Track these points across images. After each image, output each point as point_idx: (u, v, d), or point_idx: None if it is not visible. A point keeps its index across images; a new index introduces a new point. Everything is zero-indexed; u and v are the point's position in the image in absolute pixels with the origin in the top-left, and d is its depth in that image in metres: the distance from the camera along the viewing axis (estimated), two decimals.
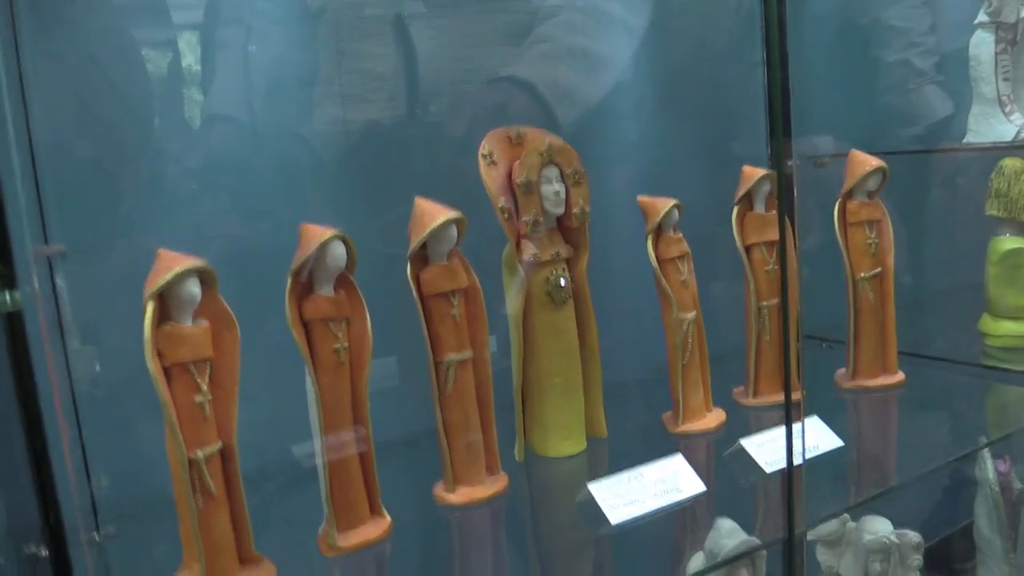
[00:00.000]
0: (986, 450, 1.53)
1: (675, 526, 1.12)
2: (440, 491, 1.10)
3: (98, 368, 1.16)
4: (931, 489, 1.93)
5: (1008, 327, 1.64)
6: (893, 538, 1.32)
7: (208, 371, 0.92)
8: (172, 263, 0.89)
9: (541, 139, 1.17)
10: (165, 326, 0.89)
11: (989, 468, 1.53)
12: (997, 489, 1.53)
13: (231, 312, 0.94)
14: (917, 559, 1.36)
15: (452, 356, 1.07)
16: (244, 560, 0.95)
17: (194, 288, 0.90)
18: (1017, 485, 1.60)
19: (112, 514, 1.10)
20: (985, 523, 1.57)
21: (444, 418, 1.07)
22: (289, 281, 0.98)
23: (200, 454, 0.89)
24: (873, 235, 1.41)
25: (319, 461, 0.98)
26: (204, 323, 0.92)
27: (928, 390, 1.50)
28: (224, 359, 0.93)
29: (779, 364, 1.36)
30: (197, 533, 0.89)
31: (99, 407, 1.11)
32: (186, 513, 0.89)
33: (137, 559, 1.06)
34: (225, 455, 0.92)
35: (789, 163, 1.05)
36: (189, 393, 0.90)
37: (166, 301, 0.90)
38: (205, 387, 0.91)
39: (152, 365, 0.87)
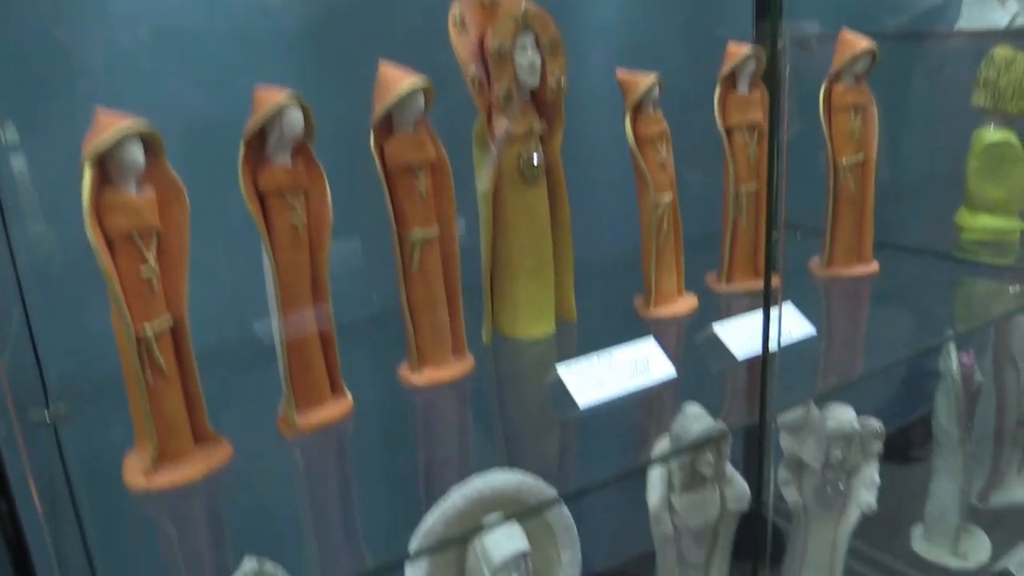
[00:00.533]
0: (952, 342, 1.54)
1: (642, 410, 1.11)
2: (404, 372, 1.07)
3: (46, 243, 1.09)
4: (895, 379, 1.96)
5: (984, 221, 1.63)
6: (856, 425, 1.32)
7: (155, 243, 0.86)
8: (112, 124, 0.82)
9: (516, 4, 1.08)
10: (106, 193, 0.83)
11: (953, 360, 1.54)
12: (959, 381, 1.54)
13: (179, 181, 0.88)
14: (877, 446, 1.37)
15: (418, 233, 1.02)
16: (199, 439, 0.92)
17: (137, 153, 0.83)
18: (978, 378, 1.61)
19: (63, 393, 1.07)
20: (944, 414, 1.59)
21: (409, 297, 1.03)
22: (242, 149, 0.91)
23: (149, 330, 0.85)
24: (858, 121, 1.36)
25: (277, 339, 0.94)
26: (149, 192, 0.86)
27: (901, 281, 1.49)
28: (172, 231, 0.87)
29: (754, 251, 1.33)
30: (148, 412, 0.86)
31: (48, 284, 1.06)
32: (136, 391, 0.86)
33: (89, 438, 1.03)
34: (176, 331, 0.88)
35: (780, 41, 0.99)
36: (134, 265, 0.84)
37: (107, 166, 0.83)
38: (152, 260, 0.85)
39: (92, 234, 0.81)
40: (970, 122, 1.66)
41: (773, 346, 0.87)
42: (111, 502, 0.90)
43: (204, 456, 0.91)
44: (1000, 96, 1.59)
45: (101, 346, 0.91)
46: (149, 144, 0.85)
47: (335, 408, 0.98)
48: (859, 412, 1.36)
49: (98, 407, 1.06)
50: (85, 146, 0.81)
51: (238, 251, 1.05)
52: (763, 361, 0.86)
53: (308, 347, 0.95)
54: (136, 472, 0.87)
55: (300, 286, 0.94)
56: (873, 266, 1.42)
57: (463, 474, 0.96)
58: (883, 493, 1.39)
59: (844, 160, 1.34)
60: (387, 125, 1.00)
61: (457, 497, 0.95)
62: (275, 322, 0.94)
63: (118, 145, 0.81)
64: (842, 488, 1.37)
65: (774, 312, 0.87)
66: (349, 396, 1.00)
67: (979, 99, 1.61)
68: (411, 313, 1.03)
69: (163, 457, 0.88)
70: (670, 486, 1.18)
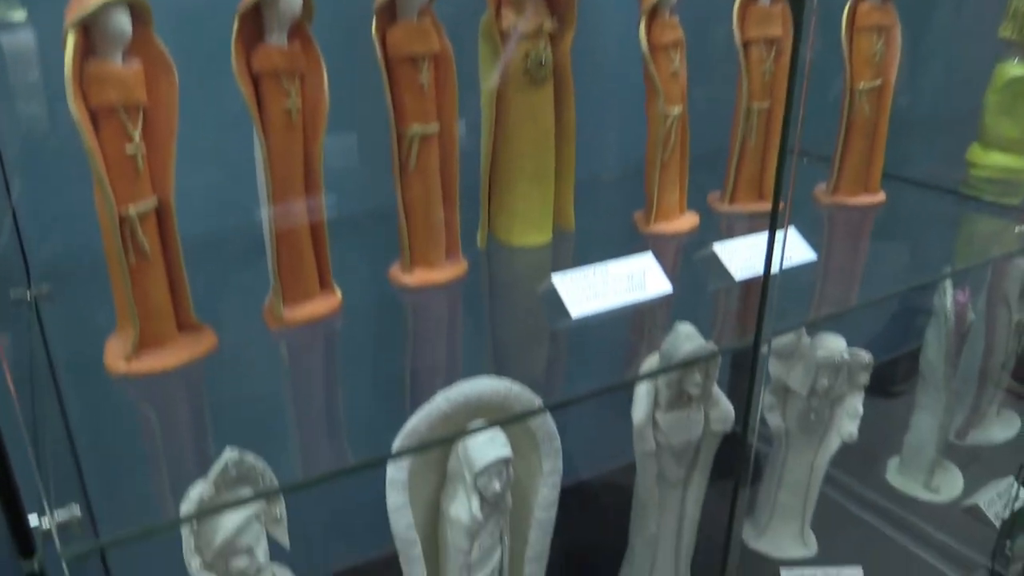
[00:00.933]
0: (949, 279, 1.52)
1: (634, 326, 1.10)
2: (396, 272, 1.04)
3: (31, 118, 1.05)
4: (889, 312, 1.95)
5: (996, 159, 1.58)
6: (845, 356, 1.32)
7: (141, 119, 0.82)
8: None
9: None
10: (90, 64, 0.79)
11: (948, 297, 1.53)
12: (951, 318, 1.54)
13: (168, 55, 0.83)
14: (864, 377, 1.37)
15: (417, 128, 0.98)
16: (183, 327, 0.90)
17: (123, 21, 0.79)
18: (971, 316, 1.61)
19: (47, 273, 1.04)
20: (933, 349, 1.59)
21: (404, 195, 1.00)
22: (236, 25, 0.86)
23: (132, 210, 0.82)
24: (880, 43, 1.30)
25: (266, 229, 0.91)
26: (136, 64, 0.82)
27: (905, 214, 1.47)
28: (159, 107, 0.83)
29: (760, 172, 1.29)
30: (130, 295, 0.83)
31: (33, 162, 1.02)
32: (118, 273, 0.83)
33: (71, 319, 1.02)
34: (161, 213, 0.85)
35: None
36: (119, 142, 0.81)
37: (91, 35, 0.79)
38: (137, 136, 0.82)
39: (75, 107, 0.77)
40: (994, 54, 1.60)
41: (775, 270, 0.85)
42: (91, 385, 0.88)
43: (187, 344, 0.89)
44: None
45: (88, 227, 0.88)
46: (137, 12, 0.80)
47: (323, 304, 0.96)
48: (850, 343, 1.36)
49: (82, 289, 1.04)
50: (68, 12, 0.77)
51: (229, 135, 1.01)
52: (763, 284, 0.84)
53: (298, 239, 0.92)
54: (117, 356, 0.86)
55: (292, 175, 0.91)
56: (879, 196, 1.39)
57: (450, 378, 0.95)
58: (864, 424, 1.40)
59: (862, 84, 1.30)
60: (390, 11, 0.95)
61: (442, 400, 0.94)
62: (265, 211, 0.91)
63: (103, 11, 0.76)
64: (824, 416, 1.38)
65: (779, 235, 0.85)
66: (338, 292, 0.98)
67: (1006, 31, 1.54)
68: (406, 212, 1.00)
69: (145, 342, 0.86)
70: (656, 403, 1.18)
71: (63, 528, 0.63)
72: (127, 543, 1.14)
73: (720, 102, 1.35)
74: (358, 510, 1.33)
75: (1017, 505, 1.52)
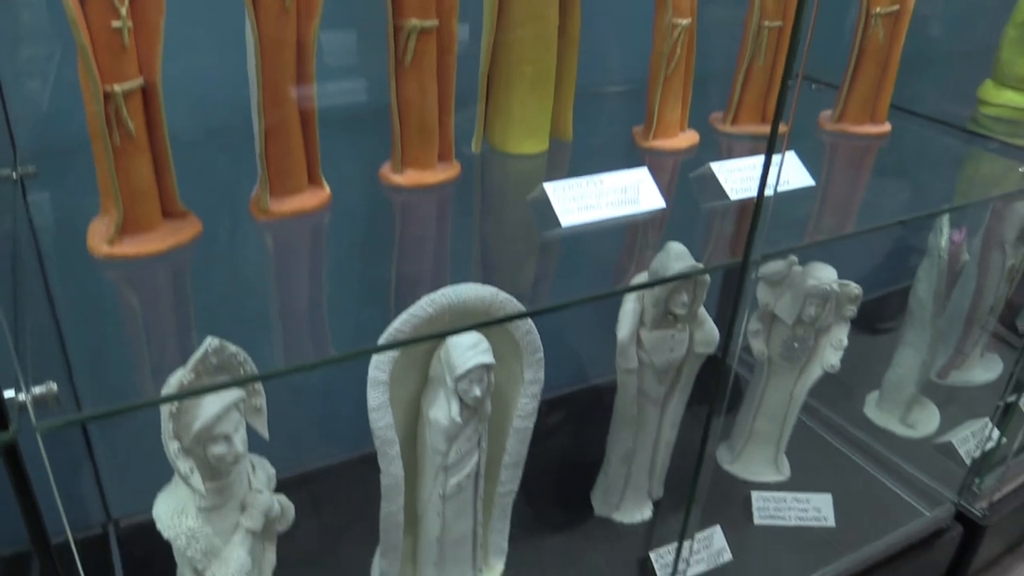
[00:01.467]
0: (946, 217, 1.51)
1: (626, 241, 1.09)
2: (387, 171, 1.03)
3: None
4: (883, 248, 1.95)
5: (1008, 97, 1.55)
6: (835, 286, 1.32)
7: None
8: None
9: None
10: None
11: (944, 235, 1.52)
12: (945, 257, 1.53)
13: None
14: (852, 310, 1.37)
15: (414, 21, 0.94)
16: (168, 213, 0.89)
17: None
18: (964, 257, 1.60)
19: (34, 152, 1.02)
20: (924, 287, 1.59)
21: (399, 92, 0.97)
22: None
23: (118, 88, 0.79)
24: None
25: (255, 118, 0.89)
26: None
27: (909, 147, 1.44)
28: None
29: (765, 94, 1.26)
30: (114, 176, 0.82)
31: (19, 38, 0.99)
32: (102, 154, 0.81)
33: (57, 199, 1.00)
34: (147, 94, 0.83)
35: None
36: (105, 16, 0.77)
37: None
38: (124, 11, 0.78)
39: None
40: None
41: (768, 193, 0.83)
42: (73, 266, 0.88)
43: (171, 230, 0.88)
44: None
45: (77, 109, 0.86)
46: None
47: (311, 198, 0.95)
48: (842, 276, 1.35)
49: (69, 170, 1.03)
50: None
51: (220, 20, 0.97)
52: (756, 207, 0.82)
53: (288, 130, 0.90)
54: (100, 239, 0.85)
55: (284, 64, 0.88)
56: (885, 127, 1.36)
57: (437, 282, 0.94)
58: (848, 357, 1.41)
59: (878, 8, 1.25)
60: None
61: (427, 304, 0.94)
62: (254, 100, 0.88)
63: None
64: (808, 346, 1.38)
65: (776, 159, 0.83)
66: (327, 188, 0.96)
67: None
68: (399, 110, 0.98)
69: (128, 226, 0.85)
70: (641, 321, 1.19)
71: (40, 403, 0.63)
72: (105, 422, 1.16)
73: (732, 22, 1.31)
74: (339, 409, 1.35)
75: (989, 445, 1.54)
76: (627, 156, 1.19)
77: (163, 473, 0.86)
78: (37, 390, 0.62)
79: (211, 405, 0.80)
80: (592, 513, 1.38)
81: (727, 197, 0.97)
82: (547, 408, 1.58)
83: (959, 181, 1.51)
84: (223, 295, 0.87)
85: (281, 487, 0.93)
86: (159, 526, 0.85)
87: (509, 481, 1.16)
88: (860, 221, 1.26)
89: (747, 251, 0.86)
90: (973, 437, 1.60)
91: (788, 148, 1.10)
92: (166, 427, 0.80)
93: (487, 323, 0.96)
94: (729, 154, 1.25)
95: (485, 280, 0.95)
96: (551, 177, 0.97)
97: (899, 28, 1.28)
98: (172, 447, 0.80)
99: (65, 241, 0.92)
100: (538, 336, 1.06)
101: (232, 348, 0.77)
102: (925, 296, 1.59)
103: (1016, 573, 1.68)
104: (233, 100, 0.95)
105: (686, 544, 1.16)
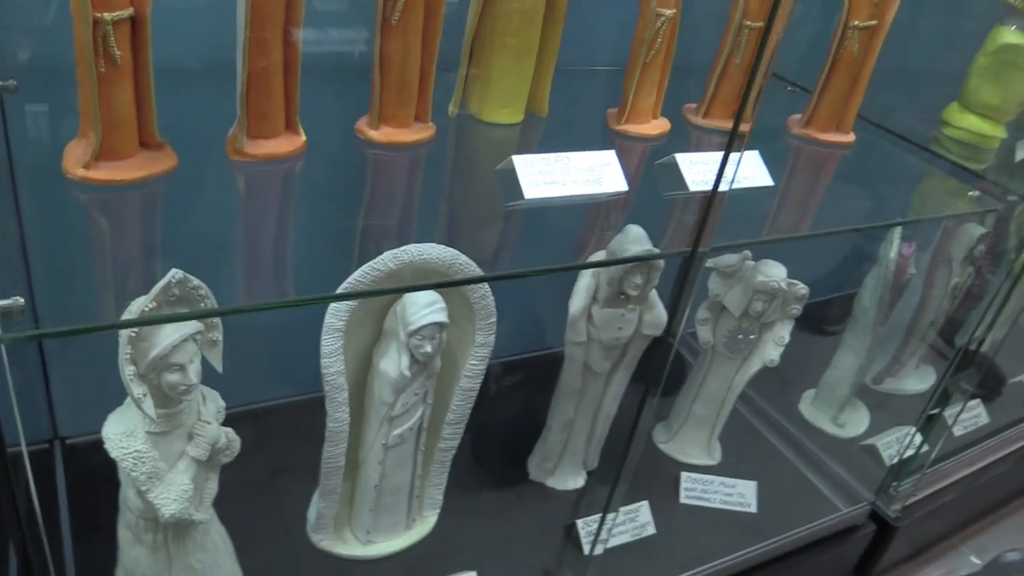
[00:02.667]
0: (898, 229, 1.57)
1: (587, 220, 1.12)
2: (363, 125, 1.05)
3: None
4: (836, 251, 2.01)
5: (971, 121, 1.60)
6: (783, 285, 1.37)
7: None
8: None
9: None
10: None
11: (894, 247, 1.58)
12: (892, 268, 1.59)
13: None
14: (796, 309, 1.43)
15: None
16: (145, 144, 0.91)
17: None
18: (911, 270, 1.66)
19: (18, 67, 1.02)
20: (869, 295, 1.65)
21: (382, 49, 0.99)
22: None
23: (107, 16, 0.80)
24: None
25: (239, 59, 0.90)
26: None
27: (870, 159, 1.49)
28: None
29: (739, 91, 1.30)
30: (96, 101, 0.83)
31: None
32: (86, 78, 0.83)
33: (35, 117, 1.01)
34: (136, 24, 0.84)
35: None
36: None
37: None
38: None
39: None
40: (996, 18, 1.59)
41: (723, 188, 0.87)
42: (46, 185, 0.89)
43: (147, 160, 0.89)
44: None
45: (64, 29, 0.86)
46: None
47: (286, 143, 0.97)
48: (794, 276, 1.41)
49: (50, 88, 1.03)
50: None
51: None
52: (709, 199, 0.87)
53: (270, 73, 0.92)
54: (76, 162, 0.86)
55: (274, 6, 0.89)
56: (849, 137, 1.41)
57: (401, 239, 0.97)
58: (791, 356, 1.47)
59: (856, 21, 1.29)
60: None
61: (390, 258, 0.97)
62: (241, 40, 0.90)
63: None
64: (752, 339, 1.44)
65: (734, 155, 0.87)
66: (303, 135, 0.98)
67: None
68: (381, 66, 1.00)
69: (105, 152, 0.86)
70: (594, 298, 1.23)
71: (5, 314, 0.65)
72: (61, 341, 1.17)
73: (717, 16, 1.33)
74: (292, 352, 1.38)
75: (910, 452, 1.62)
76: (599, 136, 1.22)
77: (112, 396, 0.88)
78: (3, 302, 0.64)
79: (169, 335, 0.83)
80: (527, 477, 1.43)
81: (687, 188, 1.01)
82: (498, 372, 1.63)
83: (915, 196, 1.57)
84: (191, 229, 0.89)
85: (229, 421, 0.96)
86: (107, 446, 0.87)
87: (450, 437, 1.21)
88: (814, 225, 1.31)
89: (696, 242, 0.90)
90: (897, 443, 1.67)
91: (753, 147, 1.14)
92: (123, 351, 0.82)
93: (445, 284, 0.99)
94: (698, 146, 1.28)
95: (448, 242, 0.98)
96: (523, 148, 1.00)
97: (874, 43, 1.32)
98: (127, 371, 0.82)
99: (39, 159, 0.92)
100: (493, 301, 1.09)
101: (195, 281, 0.79)
102: (869, 303, 1.66)
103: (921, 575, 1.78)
104: (220, 39, 0.96)
105: (612, 516, 1.22)
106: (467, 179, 1.11)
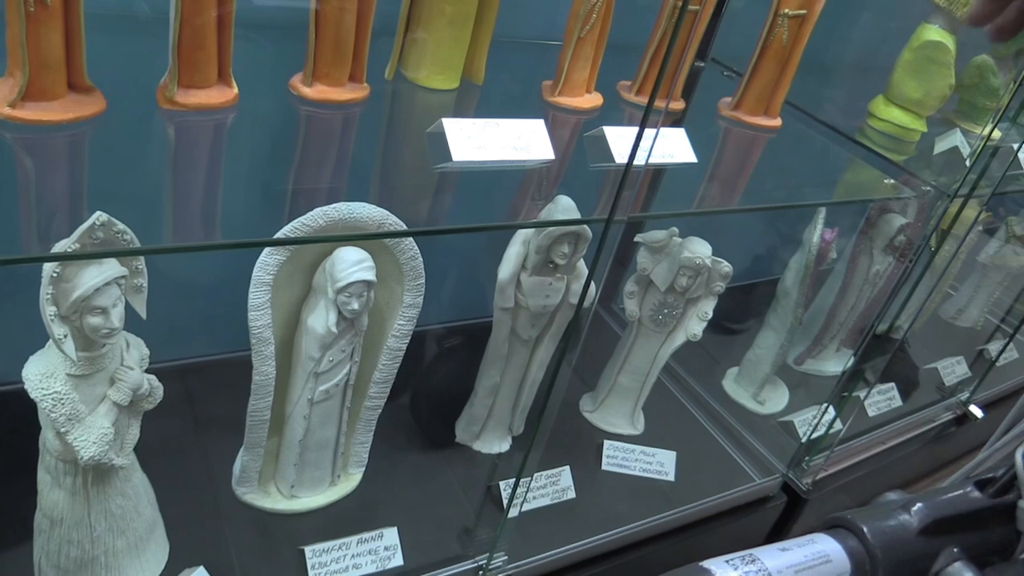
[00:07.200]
0: (821, 214, 1.63)
1: (518, 189, 1.15)
2: (296, 82, 1.06)
3: None
4: (765, 234, 2.07)
5: (895, 114, 1.67)
6: (708, 262, 1.42)
7: None
8: None
9: None
10: None
11: (817, 231, 1.64)
12: (814, 252, 1.66)
13: None
14: (720, 286, 1.48)
15: None
16: (74, 87, 0.90)
17: None
18: (832, 255, 1.73)
19: None
20: (792, 277, 1.72)
21: (319, 7, 1.00)
22: None
23: None
24: None
25: (172, 8, 0.91)
26: None
27: (796, 145, 1.55)
28: None
29: (672, 70, 1.34)
30: (23, 42, 0.83)
31: None
32: (15, 16, 0.82)
33: None
34: None
35: None
36: None
37: None
38: None
39: None
40: (922, 14, 1.66)
41: (639, 162, 0.91)
42: None
43: (75, 103, 0.89)
44: (956, 0, 1.58)
45: None
46: None
47: (218, 95, 0.97)
48: (716, 254, 1.46)
49: None
50: None
51: None
52: (624, 172, 0.90)
53: (203, 23, 0.92)
54: (1, 100, 0.86)
55: None
56: (776, 122, 1.46)
57: (332, 197, 0.99)
58: (717, 335, 1.52)
59: (786, 10, 1.34)
60: None
61: (320, 215, 0.99)
62: None
63: None
64: (676, 314, 1.49)
65: (651, 131, 0.91)
66: (235, 88, 0.99)
67: None
68: (316, 23, 1.01)
69: (32, 92, 0.86)
70: (523, 266, 1.26)
71: None
72: None
73: None
74: (220, 308, 1.38)
75: (823, 430, 1.70)
76: (532, 107, 1.25)
77: (32, 343, 0.89)
78: None
79: (92, 277, 0.83)
80: (453, 439, 1.46)
81: (614, 160, 1.04)
82: (426, 338, 1.65)
83: (838, 185, 1.64)
84: (118, 175, 0.89)
85: (159, 375, 0.96)
86: (27, 386, 0.88)
87: (377, 396, 1.23)
88: (740, 203, 1.36)
89: (612, 210, 0.94)
90: (812, 420, 1.75)
91: (685, 127, 1.18)
92: (45, 290, 0.82)
93: (376, 236, 1.01)
94: (629, 121, 1.32)
95: (379, 203, 1.00)
96: (457, 114, 1.03)
97: (803, 32, 1.37)
98: (48, 311, 0.83)
99: None
100: (421, 263, 1.12)
101: (120, 225, 0.80)
102: (791, 285, 1.72)
103: None
104: None
105: (528, 479, 1.25)
106: (399, 141, 1.13)
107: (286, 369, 1.16)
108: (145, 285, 0.90)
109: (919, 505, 0.65)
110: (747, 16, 1.61)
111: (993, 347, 2.32)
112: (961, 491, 0.66)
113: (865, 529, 0.65)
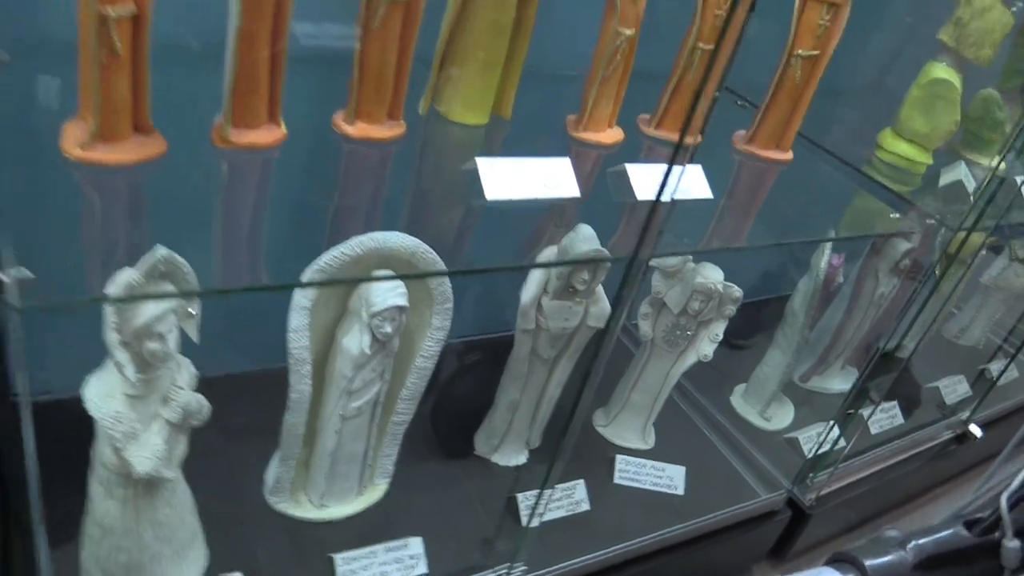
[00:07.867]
0: (829, 243, 1.70)
1: (541, 219, 1.22)
2: (339, 120, 1.12)
3: None
4: (773, 258, 2.13)
5: (902, 148, 1.73)
6: (719, 287, 1.48)
7: None
8: None
9: None
10: None
11: (825, 258, 1.70)
12: (822, 277, 1.72)
13: None
14: (731, 309, 1.54)
15: None
16: (138, 128, 0.97)
17: None
18: (839, 279, 1.79)
19: (14, 41, 1.06)
20: (800, 300, 1.78)
21: (362, 51, 1.07)
22: None
23: (111, 13, 0.86)
24: (827, 17, 1.40)
25: (229, 56, 0.97)
26: None
27: (806, 177, 1.61)
28: None
29: (691, 106, 1.40)
30: (97, 90, 0.89)
31: None
32: (88, 68, 0.89)
33: (28, 94, 1.06)
34: (137, 21, 0.90)
35: None
36: None
37: None
38: None
39: None
40: (931, 53, 1.72)
41: (665, 197, 0.97)
42: (41, 162, 0.95)
43: (139, 145, 0.96)
44: (963, 40, 1.63)
45: (62, 10, 0.92)
46: None
47: (268, 134, 1.04)
48: (730, 279, 1.52)
49: (43, 68, 1.07)
50: None
51: None
52: (652, 208, 0.97)
53: (257, 72, 0.99)
54: (73, 142, 0.92)
55: (263, 10, 0.96)
56: (788, 155, 1.52)
57: (367, 227, 1.06)
58: (726, 352, 1.58)
59: (800, 51, 1.40)
60: None
61: (356, 244, 1.05)
62: (231, 38, 0.96)
63: None
64: (688, 335, 1.55)
65: (677, 168, 0.97)
66: (283, 127, 1.06)
67: (945, 34, 1.65)
68: (360, 67, 1.08)
69: (101, 135, 0.92)
70: (545, 290, 1.33)
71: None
72: (56, 311, 1.23)
73: (674, 28, 1.42)
74: (262, 325, 1.45)
75: (827, 446, 1.76)
76: (557, 142, 1.31)
77: (78, 359, 0.95)
78: (17, 274, 0.70)
79: (152, 306, 0.90)
80: (473, 451, 1.53)
81: (634, 196, 1.11)
82: (451, 355, 1.71)
83: (847, 213, 1.70)
84: (176, 211, 0.96)
85: (200, 387, 1.03)
86: (87, 406, 0.94)
87: (404, 412, 1.30)
88: (752, 235, 1.42)
89: (636, 249, 1.00)
90: (817, 437, 1.81)
91: (701, 160, 1.25)
92: (108, 320, 0.89)
93: (408, 276, 1.08)
94: (648, 155, 1.38)
95: (412, 232, 1.07)
96: (486, 148, 1.09)
97: (815, 71, 1.43)
98: (112, 338, 0.89)
99: (34, 137, 0.98)
100: (450, 288, 1.18)
101: (179, 260, 0.87)
102: (799, 307, 1.78)
103: None
104: (211, 31, 1.02)
105: (548, 492, 1.32)
106: (433, 175, 1.20)
107: (320, 386, 1.23)
108: (198, 313, 0.97)
109: (914, 542, 0.72)
110: (759, 45, 1.67)
111: (995, 367, 2.37)
112: (952, 530, 0.72)
113: (866, 564, 0.72)
